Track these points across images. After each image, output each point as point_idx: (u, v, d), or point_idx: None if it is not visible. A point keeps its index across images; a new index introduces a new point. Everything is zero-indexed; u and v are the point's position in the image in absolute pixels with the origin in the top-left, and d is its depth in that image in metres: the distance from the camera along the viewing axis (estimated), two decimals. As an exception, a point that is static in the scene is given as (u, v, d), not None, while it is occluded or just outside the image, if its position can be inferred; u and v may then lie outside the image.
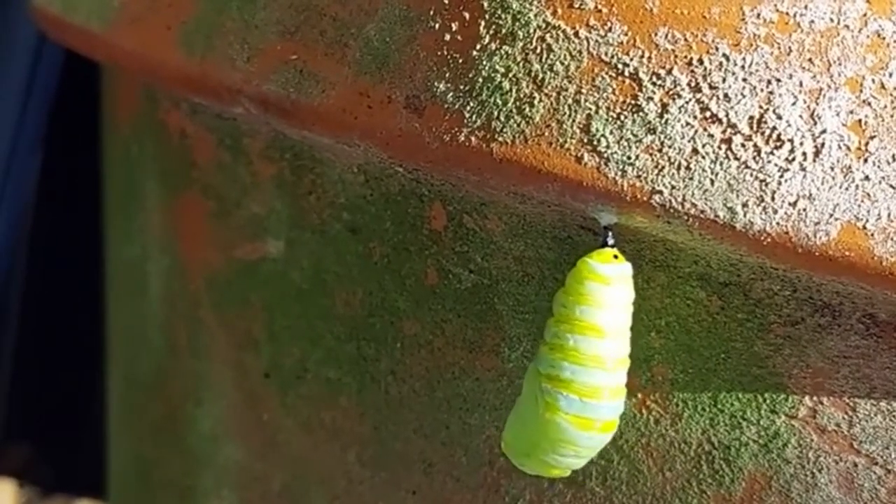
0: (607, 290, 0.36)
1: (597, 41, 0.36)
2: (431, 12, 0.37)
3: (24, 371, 0.68)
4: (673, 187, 0.35)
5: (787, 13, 0.35)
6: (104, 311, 0.57)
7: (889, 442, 0.38)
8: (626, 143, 0.35)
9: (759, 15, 0.35)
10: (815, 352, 0.38)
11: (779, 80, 0.35)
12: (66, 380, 0.69)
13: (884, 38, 0.35)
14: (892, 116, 0.35)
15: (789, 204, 0.35)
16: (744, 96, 0.35)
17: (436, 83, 0.37)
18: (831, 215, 0.34)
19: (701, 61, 0.35)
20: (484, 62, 0.36)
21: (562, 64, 0.36)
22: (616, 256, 0.36)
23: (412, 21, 0.37)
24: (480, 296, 0.40)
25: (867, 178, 0.35)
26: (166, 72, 0.42)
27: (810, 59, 0.35)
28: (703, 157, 0.35)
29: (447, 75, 0.36)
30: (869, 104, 0.35)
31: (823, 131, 0.35)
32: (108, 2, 0.44)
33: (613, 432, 0.37)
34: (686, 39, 0.35)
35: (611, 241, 0.37)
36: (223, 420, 0.48)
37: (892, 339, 0.37)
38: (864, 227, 0.34)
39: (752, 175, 0.35)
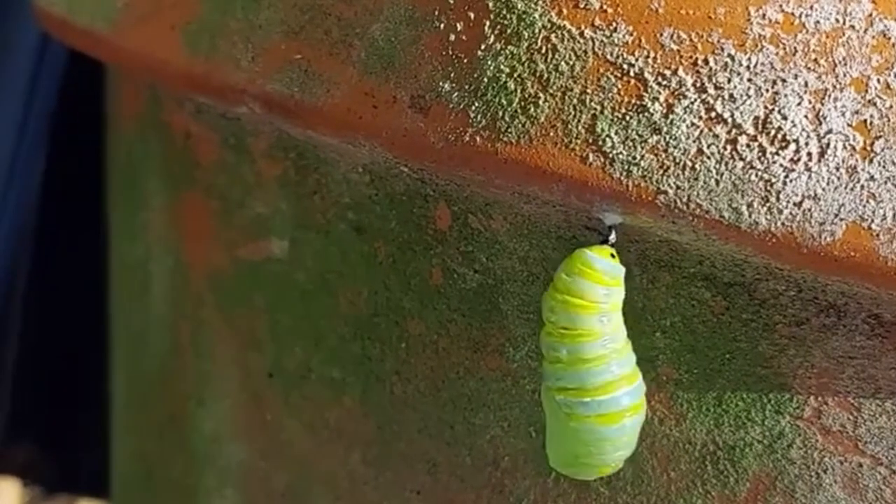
0: (598, 289, 0.36)
1: (602, 41, 0.36)
2: (436, 12, 0.37)
3: (27, 370, 0.68)
4: (678, 187, 0.35)
5: (793, 14, 0.35)
6: (107, 311, 0.57)
7: (894, 442, 0.38)
8: (631, 144, 0.35)
9: (764, 15, 0.35)
10: (820, 352, 0.38)
11: (784, 81, 0.35)
12: (70, 379, 0.69)
13: (889, 39, 0.35)
14: (897, 117, 0.35)
15: (794, 204, 0.35)
16: (749, 97, 0.35)
17: (441, 83, 0.36)
18: (836, 215, 0.34)
19: (706, 61, 0.35)
20: (489, 62, 0.36)
21: (567, 64, 0.36)
22: (613, 256, 0.36)
23: (417, 21, 0.37)
24: (485, 296, 0.40)
25: (872, 178, 0.35)
26: (170, 72, 0.42)
27: (816, 60, 0.35)
28: (709, 158, 0.35)
29: (452, 75, 0.36)
30: (874, 104, 0.35)
31: (829, 131, 0.35)
32: (112, 2, 0.44)
33: (644, 410, 0.37)
34: (691, 40, 0.35)
35: (612, 240, 0.36)
36: (226, 420, 0.48)
37: (896, 340, 0.37)
38: (870, 228, 0.34)
39: (757, 175, 0.35)
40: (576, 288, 0.36)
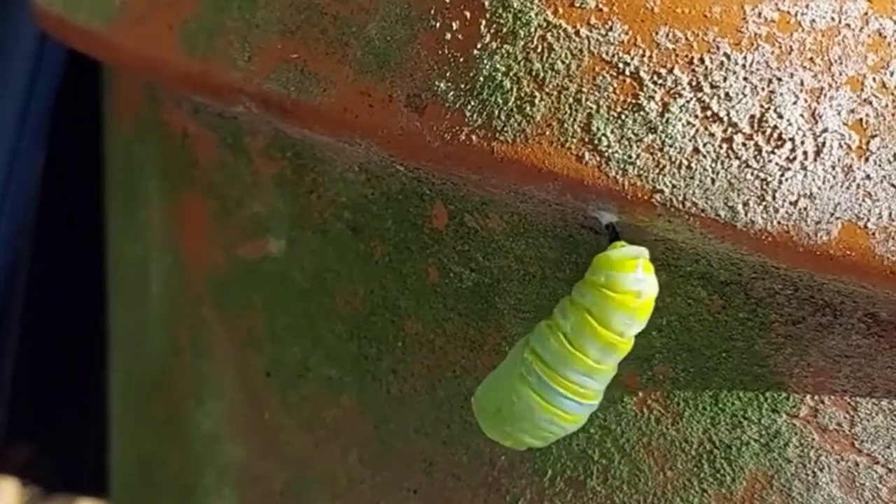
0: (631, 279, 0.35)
1: (598, 40, 0.36)
2: (432, 11, 0.37)
3: (26, 370, 0.68)
4: (674, 186, 0.35)
5: (789, 12, 0.35)
6: (106, 310, 0.57)
7: (890, 441, 0.38)
8: (626, 142, 0.35)
9: (760, 14, 0.35)
10: (817, 351, 0.38)
11: (780, 79, 0.35)
12: (69, 379, 0.69)
13: (885, 37, 0.35)
14: (893, 115, 0.35)
15: (790, 203, 0.35)
16: (745, 95, 0.35)
17: (437, 82, 0.37)
18: (832, 214, 0.34)
19: (702, 60, 0.35)
20: (485, 61, 0.36)
21: (563, 63, 0.36)
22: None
23: (413, 20, 0.37)
24: (481, 294, 0.40)
25: (868, 177, 0.35)
26: (168, 71, 0.42)
27: (811, 58, 0.35)
28: (704, 156, 0.35)
29: (448, 74, 0.36)
30: (870, 103, 0.35)
31: (824, 130, 0.35)
32: (110, 1, 0.44)
33: (575, 428, 0.37)
34: (687, 38, 0.35)
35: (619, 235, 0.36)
36: (224, 419, 0.48)
37: (893, 339, 0.37)
38: (865, 227, 0.34)
39: (752, 174, 0.35)
40: (613, 281, 0.35)
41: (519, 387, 0.37)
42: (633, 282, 0.35)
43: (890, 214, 0.34)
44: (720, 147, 0.35)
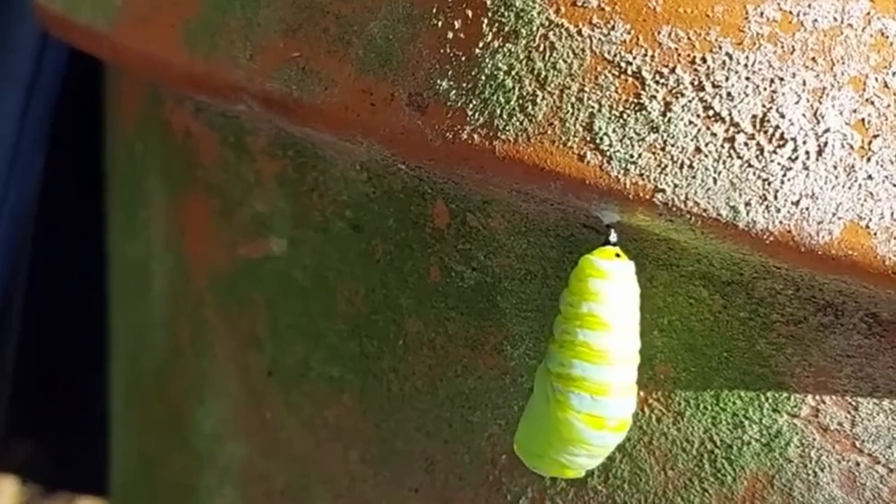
0: (610, 287, 0.36)
1: (600, 39, 0.36)
2: (434, 10, 0.37)
3: (26, 368, 0.68)
4: (675, 186, 0.35)
5: (791, 12, 0.35)
6: (107, 309, 0.57)
7: (891, 441, 0.38)
8: (628, 142, 0.35)
9: (762, 14, 0.35)
10: (818, 351, 0.38)
11: (782, 79, 0.35)
12: (69, 377, 0.69)
13: (887, 37, 0.35)
14: (895, 115, 0.35)
15: (792, 203, 0.35)
16: (747, 95, 0.35)
17: (439, 81, 0.37)
18: (834, 214, 0.34)
19: (704, 60, 0.35)
20: (487, 60, 0.36)
21: (565, 62, 0.36)
22: (618, 255, 0.36)
23: (415, 19, 0.37)
24: (483, 294, 0.40)
25: (870, 177, 0.35)
26: (170, 70, 0.42)
27: (813, 58, 0.35)
28: (706, 156, 0.35)
29: (450, 73, 0.36)
30: (872, 103, 0.35)
31: (826, 130, 0.35)
32: (112, 0, 0.44)
33: (626, 431, 0.37)
34: (689, 38, 0.35)
35: (613, 239, 0.37)
36: (226, 418, 0.48)
37: (894, 339, 0.37)
38: (867, 227, 0.34)
39: (754, 174, 0.35)
40: (588, 286, 0.36)
41: (562, 416, 0.36)
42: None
43: (892, 214, 0.34)
44: (722, 147, 0.35)
